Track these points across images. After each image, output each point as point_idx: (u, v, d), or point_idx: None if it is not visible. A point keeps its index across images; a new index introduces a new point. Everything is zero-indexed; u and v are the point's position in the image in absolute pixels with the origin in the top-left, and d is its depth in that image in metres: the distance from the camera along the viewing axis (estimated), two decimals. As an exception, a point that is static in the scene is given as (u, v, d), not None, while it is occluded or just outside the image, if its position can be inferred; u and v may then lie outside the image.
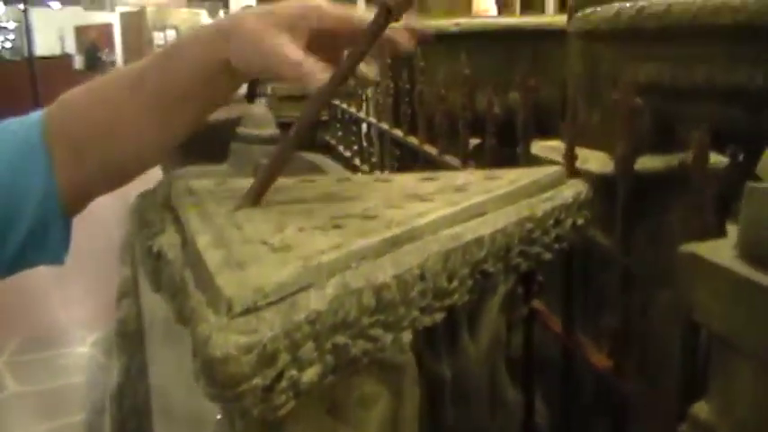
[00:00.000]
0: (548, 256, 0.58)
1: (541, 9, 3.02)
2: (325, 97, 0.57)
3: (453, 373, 0.55)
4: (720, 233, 0.57)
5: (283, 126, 2.02)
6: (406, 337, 0.46)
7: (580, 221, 0.61)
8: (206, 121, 0.65)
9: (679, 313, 0.54)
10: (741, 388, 0.40)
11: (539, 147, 0.98)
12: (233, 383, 0.38)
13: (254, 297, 0.40)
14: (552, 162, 0.87)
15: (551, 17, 1.93)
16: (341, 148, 2.19)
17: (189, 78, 0.60)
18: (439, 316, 0.48)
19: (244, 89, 2.75)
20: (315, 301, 0.41)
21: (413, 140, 1.29)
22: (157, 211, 0.61)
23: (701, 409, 0.43)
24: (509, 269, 0.54)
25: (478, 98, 1.01)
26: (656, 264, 0.66)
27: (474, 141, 1.10)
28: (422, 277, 0.46)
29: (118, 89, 0.63)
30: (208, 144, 1.22)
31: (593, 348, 0.71)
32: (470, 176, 0.64)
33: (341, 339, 0.42)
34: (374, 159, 1.78)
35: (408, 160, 1.34)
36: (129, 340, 1.38)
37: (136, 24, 14.72)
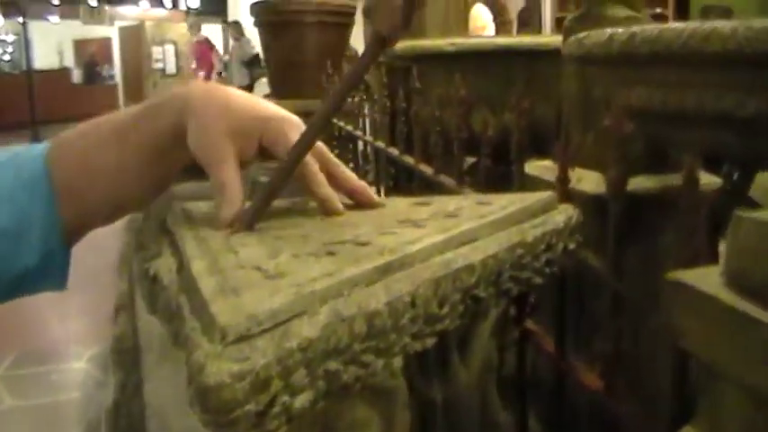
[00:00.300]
0: (538, 280, 0.58)
1: (539, 26, 3.05)
2: (324, 121, 0.58)
3: (444, 397, 0.56)
4: (712, 257, 0.57)
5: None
6: (397, 362, 0.46)
7: (571, 246, 0.62)
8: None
9: (668, 338, 0.55)
10: (727, 415, 0.41)
11: (534, 166, 0.99)
12: (227, 410, 0.38)
13: (248, 324, 0.41)
14: (546, 183, 0.88)
15: (548, 37, 1.94)
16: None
17: (162, 140, 0.63)
18: (430, 341, 0.48)
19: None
20: (307, 328, 0.42)
21: (409, 159, 1.29)
22: (154, 234, 0.62)
23: (688, 433, 0.44)
24: (500, 294, 0.55)
25: (474, 118, 1.01)
26: (648, 286, 0.66)
27: (470, 160, 1.10)
28: (413, 304, 0.47)
29: (107, 135, 0.65)
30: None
31: (585, 369, 0.71)
32: (463, 201, 0.65)
33: (333, 365, 0.42)
34: (370, 178, 1.79)
35: (404, 179, 1.34)
36: (125, 357, 1.37)
37: (134, 39, 14.76)
